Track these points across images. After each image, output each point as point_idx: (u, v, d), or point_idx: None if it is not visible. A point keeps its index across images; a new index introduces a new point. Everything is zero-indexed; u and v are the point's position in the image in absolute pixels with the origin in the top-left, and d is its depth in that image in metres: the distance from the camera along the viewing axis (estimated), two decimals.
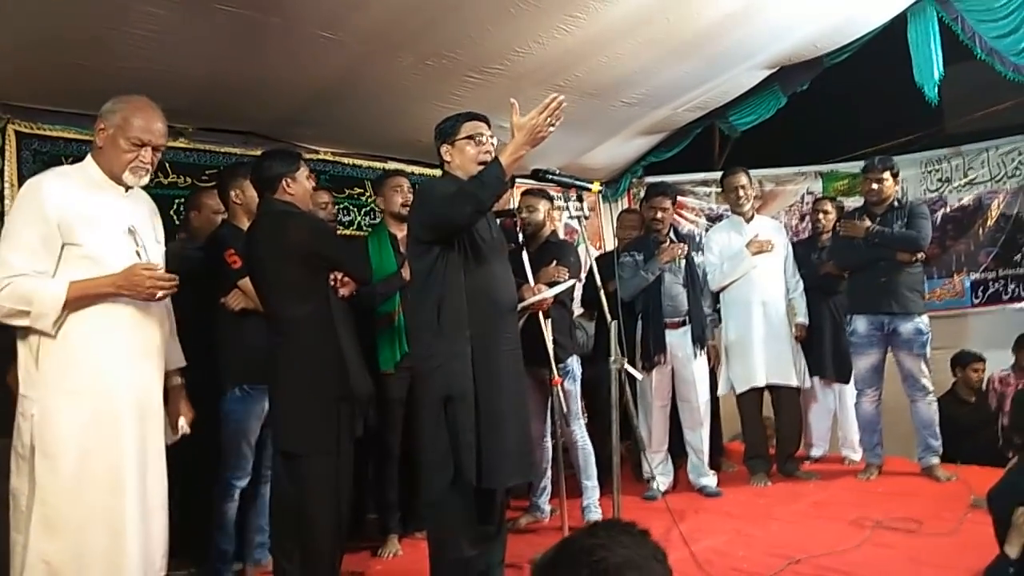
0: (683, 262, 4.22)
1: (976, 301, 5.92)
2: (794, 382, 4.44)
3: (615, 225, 5.31)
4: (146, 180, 2.37)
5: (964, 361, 5.37)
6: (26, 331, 2.19)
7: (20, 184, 3.49)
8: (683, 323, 4.18)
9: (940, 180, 6.07)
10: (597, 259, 3.26)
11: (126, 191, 2.35)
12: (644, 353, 4.13)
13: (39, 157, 3.62)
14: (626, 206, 6.25)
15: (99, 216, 2.25)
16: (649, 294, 4.14)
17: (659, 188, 4.44)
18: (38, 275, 2.15)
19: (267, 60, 3.62)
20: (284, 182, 2.83)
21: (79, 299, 2.17)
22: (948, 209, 5.95)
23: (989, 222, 5.68)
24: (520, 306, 3.07)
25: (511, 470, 2.66)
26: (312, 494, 2.69)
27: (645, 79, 4.88)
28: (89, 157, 2.36)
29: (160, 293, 2.27)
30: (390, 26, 3.61)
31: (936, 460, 4.21)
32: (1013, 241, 5.76)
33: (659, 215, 4.27)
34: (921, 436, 4.23)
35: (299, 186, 2.87)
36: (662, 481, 4.15)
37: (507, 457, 2.61)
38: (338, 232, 4.42)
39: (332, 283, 2.97)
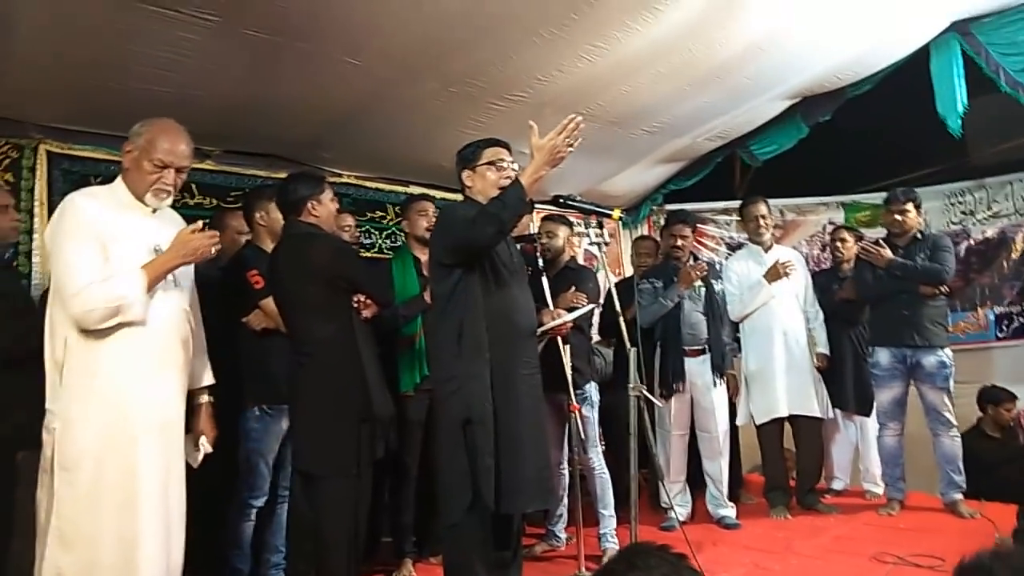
0: (703, 290, 4.20)
1: (1000, 335, 5.86)
2: (816, 413, 4.39)
3: (632, 252, 5.32)
4: (169, 201, 2.42)
5: (996, 399, 5.26)
6: (52, 346, 2.23)
7: (49, 203, 3.57)
8: (702, 351, 4.16)
9: (963, 212, 6.03)
10: (616, 285, 3.26)
11: (153, 212, 2.39)
12: (663, 381, 4.11)
13: (69, 176, 3.70)
14: (645, 233, 6.25)
15: (126, 235, 2.29)
16: (668, 321, 4.13)
17: (679, 216, 4.44)
18: (109, 278, 2.20)
19: (293, 85, 3.69)
20: (309, 204, 2.87)
21: (153, 280, 2.27)
22: (972, 242, 5.91)
23: (1014, 255, 5.62)
24: (540, 330, 3.07)
25: (529, 496, 2.64)
26: (329, 516, 2.69)
27: (666, 108, 4.91)
28: (118, 179, 2.41)
29: (213, 249, 2.36)
30: (414, 53, 3.67)
31: (959, 496, 4.13)
32: None
33: (679, 243, 4.27)
34: (944, 471, 4.15)
35: (324, 208, 2.91)
36: (680, 511, 4.09)
37: (525, 483, 2.60)
38: (360, 255, 4.46)
39: (355, 305, 2.99)
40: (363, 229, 4.78)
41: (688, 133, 5.38)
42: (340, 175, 4.77)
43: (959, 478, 4.13)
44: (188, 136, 2.43)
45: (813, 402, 4.38)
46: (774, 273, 4.34)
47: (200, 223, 2.39)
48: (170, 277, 2.35)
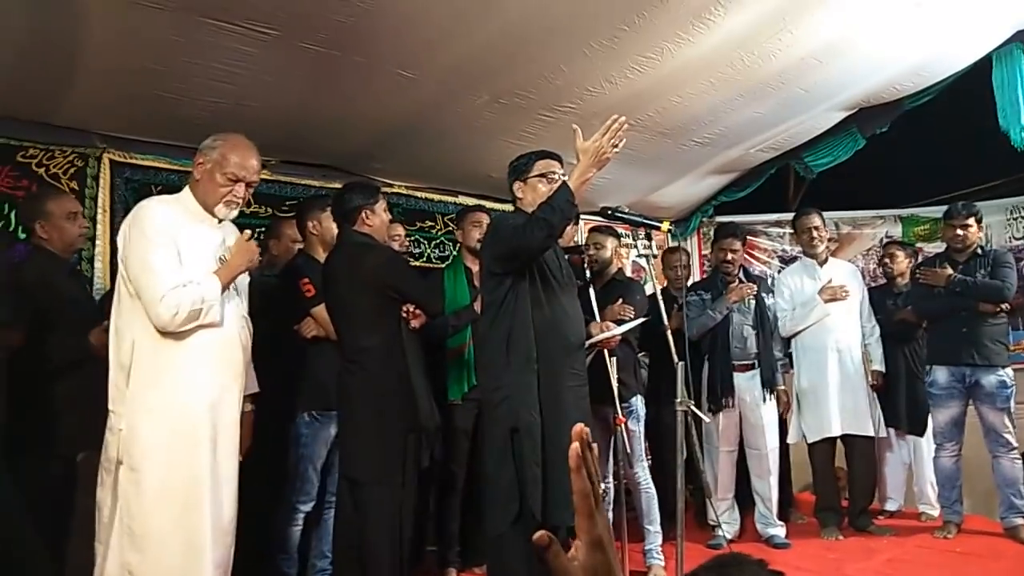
0: (753, 303, 4.14)
1: None
2: (869, 432, 4.29)
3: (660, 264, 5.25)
4: (236, 213, 2.50)
5: None
6: (119, 348, 2.30)
7: (112, 211, 3.69)
8: (752, 366, 4.10)
9: None
10: (662, 292, 3.22)
11: (219, 222, 2.46)
12: (711, 395, 4.05)
13: (130, 185, 3.82)
14: (696, 245, 6.19)
15: (195, 244, 2.37)
16: (717, 335, 4.09)
17: (729, 229, 4.39)
18: (189, 282, 2.28)
19: (347, 97, 3.75)
20: (363, 214, 2.93)
21: (225, 286, 2.36)
22: None
23: None
24: (588, 343, 3.06)
25: (571, 507, 2.62)
26: (374, 522, 2.72)
27: (718, 119, 4.85)
28: (186, 189, 2.49)
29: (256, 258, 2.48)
30: (466, 66, 3.70)
31: (1021, 521, 3.97)
32: None
33: (729, 256, 4.22)
34: (1004, 494, 4.01)
35: (377, 218, 2.95)
36: (728, 529, 4.03)
37: (568, 493, 2.58)
38: (410, 264, 4.51)
39: (404, 315, 3.02)
40: (413, 239, 4.83)
41: (740, 144, 5.30)
42: (391, 185, 4.83)
43: (1020, 502, 3.98)
44: (257, 152, 2.52)
45: (867, 421, 4.28)
46: (831, 293, 4.25)
47: (248, 232, 2.49)
48: (232, 285, 2.42)
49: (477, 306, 3.29)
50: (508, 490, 2.56)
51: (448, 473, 3.59)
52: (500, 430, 2.60)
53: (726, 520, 4.07)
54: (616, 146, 2.51)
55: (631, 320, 3.55)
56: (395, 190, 4.85)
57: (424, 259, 4.92)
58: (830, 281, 4.31)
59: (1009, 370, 4.03)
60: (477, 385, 3.32)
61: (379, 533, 2.71)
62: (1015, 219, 5.86)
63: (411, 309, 3.06)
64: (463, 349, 3.64)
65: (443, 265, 4.47)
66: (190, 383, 2.28)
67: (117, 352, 2.31)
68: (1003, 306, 4.07)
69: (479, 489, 3.00)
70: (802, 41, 4.10)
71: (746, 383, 4.09)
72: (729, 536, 3.94)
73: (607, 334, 3.29)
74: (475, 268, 3.61)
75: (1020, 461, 4.04)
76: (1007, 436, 3.98)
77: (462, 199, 5.02)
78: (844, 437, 4.30)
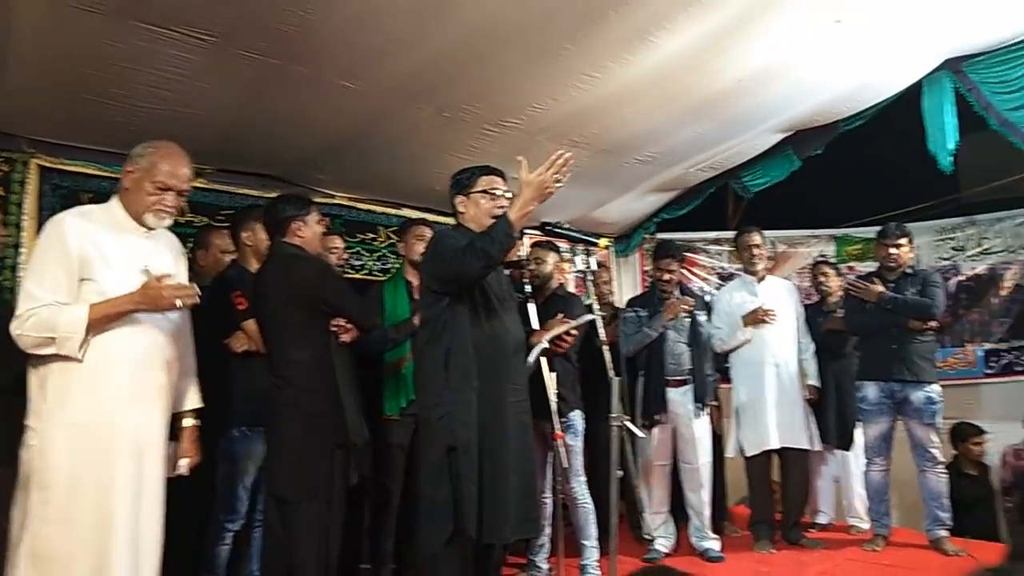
0: (688, 321, 4.20)
1: (989, 371, 5.88)
2: (805, 445, 4.37)
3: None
4: (169, 222, 2.45)
5: (963, 435, 5.30)
6: (37, 362, 2.23)
7: (39, 217, 3.57)
8: (685, 382, 4.15)
9: (954, 248, 6.07)
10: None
11: (148, 232, 2.40)
12: (645, 411, 4.09)
13: (58, 191, 3.70)
14: (638, 261, 6.27)
15: (116, 255, 2.31)
16: (652, 351, 4.13)
17: (666, 249, 4.44)
18: (60, 305, 2.20)
19: (289, 107, 3.71)
20: (294, 225, 2.89)
21: (101, 319, 2.22)
22: (961, 278, 5.93)
23: (1003, 292, 5.62)
24: (548, 336, 3.06)
25: (513, 525, 2.63)
26: (301, 541, 2.67)
27: (659, 138, 4.94)
28: (115, 198, 2.43)
29: (179, 302, 2.31)
30: (411, 78, 3.69)
31: (945, 533, 4.09)
32: None
33: (665, 276, 4.27)
34: (930, 508, 4.13)
35: (309, 230, 2.92)
36: (663, 543, 4.07)
37: (509, 512, 2.58)
38: (349, 277, 4.46)
39: (333, 329, 2.98)
40: (354, 251, 4.78)
41: (681, 163, 5.40)
42: (332, 196, 4.77)
43: (945, 515, 4.10)
44: (189, 160, 2.46)
45: (803, 435, 4.36)
46: (752, 319, 4.33)
47: (167, 276, 2.35)
48: None
49: (416, 320, 3.26)
50: (443, 509, 2.54)
51: (383, 490, 3.54)
52: (437, 448, 2.58)
53: (661, 534, 4.11)
54: (560, 181, 2.53)
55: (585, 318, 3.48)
56: (337, 201, 4.80)
57: (365, 272, 4.88)
58: (761, 305, 4.37)
59: (936, 386, 4.16)
60: (415, 401, 3.29)
61: (307, 552, 2.66)
62: (944, 240, 6.09)
63: (341, 323, 3.02)
64: (401, 363, 3.60)
65: (384, 278, 4.43)
66: (97, 402, 2.22)
67: (35, 366, 2.24)
68: (932, 324, 4.20)
69: (414, 507, 2.97)
70: (740, 64, 4.21)
71: (680, 398, 4.14)
72: (665, 550, 3.98)
73: (563, 328, 3.22)
74: (416, 282, 3.59)
75: (946, 475, 4.17)
76: (933, 451, 4.11)
77: (406, 212, 4.99)
78: (780, 451, 4.38)
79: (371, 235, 4.96)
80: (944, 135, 4.82)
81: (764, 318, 4.31)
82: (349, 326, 3.04)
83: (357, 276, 4.75)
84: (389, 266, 4.90)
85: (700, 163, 5.47)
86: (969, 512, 4.64)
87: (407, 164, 4.51)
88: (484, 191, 2.77)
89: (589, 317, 3.43)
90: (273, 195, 3.93)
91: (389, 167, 4.56)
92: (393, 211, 5.02)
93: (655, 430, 4.12)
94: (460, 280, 2.60)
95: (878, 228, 4.53)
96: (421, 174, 4.56)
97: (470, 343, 2.63)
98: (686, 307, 4.14)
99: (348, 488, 2.83)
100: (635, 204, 6.06)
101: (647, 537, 4.12)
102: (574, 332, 3.34)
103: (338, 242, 3.87)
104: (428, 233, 3.78)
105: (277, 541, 2.77)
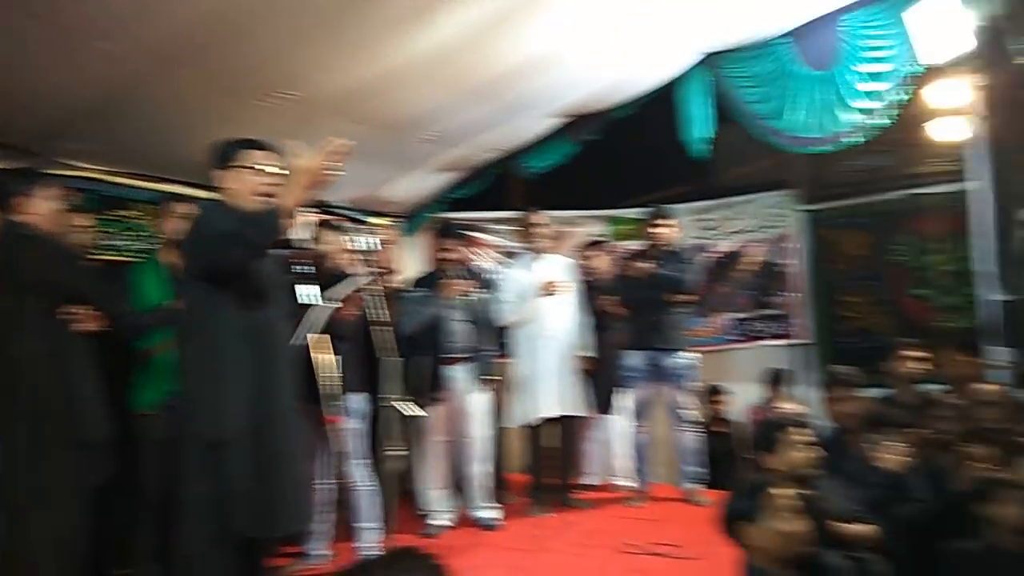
0: (470, 298, 4.28)
1: (736, 339, 6.61)
2: (582, 412, 4.64)
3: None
4: None
5: (707, 395, 6.02)
6: None
7: None
8: (465, 359, 4.24)
9: (709, 228, 6.72)
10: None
11: None
12: (426, 388, 4.12)
13: None
14: (425, 240, 6.27)
15: None
16: (432, 329, 4.17)
17: (449, 230, 4.51)
18: None
19: (33, 67, 3.28)
20: (19, 201, 2.56)
21: None
22: (714, 255, 6.55)
23: (749, 268, 6.29)
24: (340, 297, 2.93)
25: (284, 518, 2.53)
26: (39, 552, 2.41)
27: (442, 117, 4.98)
28: None
29: None
30: (175, 41, 3.41)
31: (698, 486, 4.56)
32: (768, 286, 6.49)
33: (446, 255, 4.33)
34: (685, 464, 4.59)
35: (39, 206, 2.60)
36: (443, 517, 4.15)
37: (281, 504, 2.49)
38: (99, 258, 4.04)
39: (70, 316, 2.68)
40: (106, 229, 4.34)
41: (464, 143, 5.49)
42: (85, 168, 4.29)
43: (697, 470, 4.58)
44: None
45: (580, 402, 4.62)
46: (544, 289, 4.49)
47: None
48: None
49: (176, 305, 3.03)
50: (208, 507, 2.39)
51: (138, 489, 3.28)
52: (200, 443, 2.42)
53: (441, 509, 4.19)
54: (335, 171, 2.41)
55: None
56: (88, 174, 4.31)
57: (117, 252, 4.43)
58: (547, 277, 4.57)
59: (691, 353, 4.61)
60: (175, 392, 3.06)
61: (46, 563, 2.40)
62: (700, 221, 6.71)
63: (79, 310, 2.73)
64: (154, 352, 3.32)
65: (139, 259, 4.07)
66: None
67: None
68: (688, 297, 4.61)
69: (176, 506, 2.77)
70: (517, 50, 4.36)
71: (460, 375, 4.23)
72: (446, 523, 4.05)
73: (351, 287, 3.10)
74: (175, 263, 3.33)
75: (698, 434, 4.63)
76: (688, 412, 4.57)
77: (165, 186, 4.58)
78: (558, 418, 4.60)
79: (125, 212, 4.52)
80: (693, 125, 5.31)
81: (552, 289, 4.48)
82: (90, 313, 2.75)
83: (109, 257, 4.31)
84: (146, 245, 4.49)
85: (483, 144, 5.59)
86: (717, 466, 5.18)
87: (168, 134, 4.15)
88: (246, 166, 2.59)
89: (366, 280, 3.37)
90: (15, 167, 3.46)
91: (149, 138, 4.17)
92: (154, 185, 4.59)
93: (436, 407, 4.17)
94: (221, 270, 2.43)
95: (647, 210, 4.89)
96: (183, 145, 4.19)
97: (237, 330, 2.47)
98: (462, 288, 4.21)
99: (93, 489, 2.58)
100: (422, 182, 6.08)
101: (427, 513, 4.17)
102: (356, 311, 3.28)
103: (83, 220, 3.49)
104: (189, 210, 3.51)
105: (8, 557, 2.47)
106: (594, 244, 5.39)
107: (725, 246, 6.65)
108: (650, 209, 4.85)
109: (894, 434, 3.36)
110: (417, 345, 4.05)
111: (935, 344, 4.40)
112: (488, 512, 4.30)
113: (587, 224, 6.66)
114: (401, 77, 4.31)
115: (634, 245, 5.52)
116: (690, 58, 5.33)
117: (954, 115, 5.16)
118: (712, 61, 5.36)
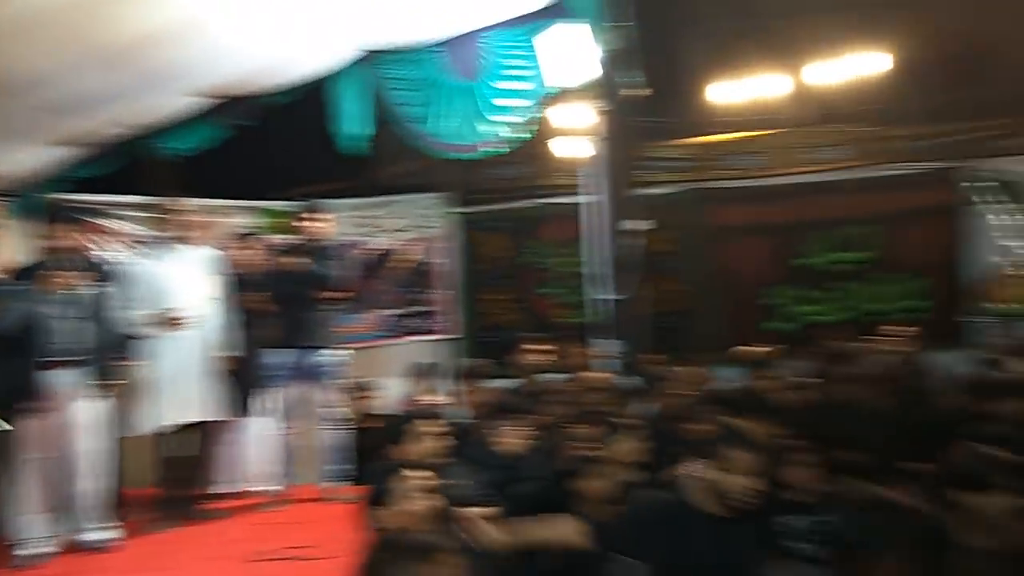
0: (82, 293, 3.78)
1: (389, 335, 6.78)
2: (221, 416, 4.36)
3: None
4: None
5: (354, 391, 6.02)
6: None
7: None
8: (77, 362, 3.74)
9: (364, 225, 6.80)
10: None
11: None
12: (23, 397, 3.56)
13: None
14: (42, 224, 5.41)
15: None
16: (33, 329, 3.60)
17: (60, 213, 3.99)
18: None
19: None
20: None
21: None
22: (369, 252, 6.62)
23: (402, 266, 6.47)
24: None
25: None
26: None
27: (56, 83, 4.31)
28: None
29: None
30: None
31: (340, 484, 4.52)
32: (418, 283, 6.78)
33: (57, 243, 3.83)
34: (327, 462, 4.54)
35: None
36: (44, 544, 3.61)
37: None
38: None
39: None
40: None
41: (87, 115, 4.83)
42: None
43: (341, 468, 4.55)
44: None
45: (218, 406, 4.33)
46: (164, 323, 4.11)
47: None
48: None
49: None
50: None
51: None
52: None
53: (41, 534, 3.63)
54: None
55: None
56: None
57: None
58: (182, 273, 4.20)
59: (339, 350, 4.58)
60: None
61: None
62: (356, 217, 6.75)
63: None
64: None
65: None
66: None
67: None
68: (339, 294, 4.58)
69: None
70: (146, 15, 3.93)
71: (68, 380, 3.72)
72: (45, 551, 3.52)
73: None
74: None
75: (343, 431, 4.62)
76: (333, 410, 4.54)
77: None
78: (193, 424, 4.27)
79: None
80: (352, 120, 5.31)
81: (176, 323, 4.10)
82: None
83: None
84: None
85: (112, 118, 4.99)
86: (368, 461, 5.23)
87: None
88: None
89: None
90: None
91: None
92: None
93: (34, 419, 3.62)
94: None
95: (300, 203, 4.78)
96: None
97: None
98: (65, 281, 3.70)
99: None
100: (35, 157, 5.24)
101: (21, 540, 3.58)
102: None
103: None
104: None
105: None
106: (244, 236, 5.12)
107: (379, 244, 6.76)
108: (303, 203, 4.75)
109: (517, 420, 3.71)
110: (8, 347, 3.45)
111: (557, 338, 4.95)
112: (100, 533, 3.83)
113: (236, 215, 6.29)
114: (4, 31, 3.67)
115: (286, 239, 5.33)
116: (349, 52, 5.30)
117: (579, 135, 5.87)
118: (371, 59, 5.40)
